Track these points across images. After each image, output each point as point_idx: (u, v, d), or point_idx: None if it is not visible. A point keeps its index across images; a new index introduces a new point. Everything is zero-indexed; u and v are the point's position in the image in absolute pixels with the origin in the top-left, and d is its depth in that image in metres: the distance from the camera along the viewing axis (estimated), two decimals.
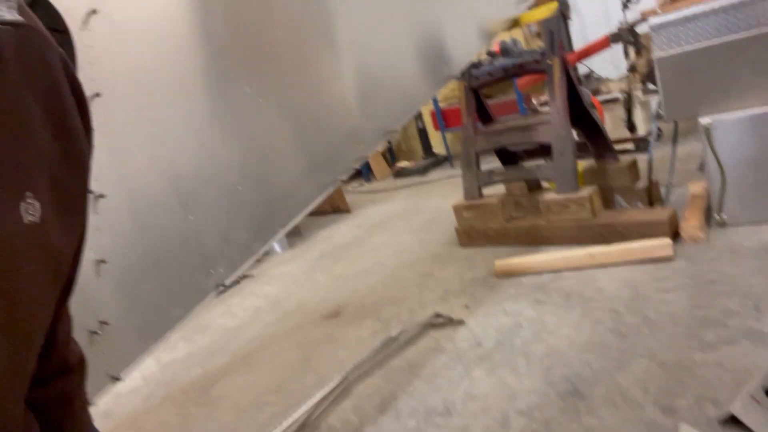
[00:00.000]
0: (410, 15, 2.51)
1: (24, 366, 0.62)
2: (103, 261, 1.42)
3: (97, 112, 1.40)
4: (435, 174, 6.94)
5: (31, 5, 1.73)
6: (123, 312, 1.45)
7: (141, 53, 1.52)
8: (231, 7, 1.76)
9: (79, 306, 1.37)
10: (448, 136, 7.02)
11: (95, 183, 1.42)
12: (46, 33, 0.68)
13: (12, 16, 0.59)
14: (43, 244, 0.63)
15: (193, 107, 1.64)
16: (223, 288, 1.69)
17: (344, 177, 2.14)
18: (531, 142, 3.60)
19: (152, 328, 1.52)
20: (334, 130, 2.11)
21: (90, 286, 1.41)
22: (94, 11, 1.43)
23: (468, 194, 3.83)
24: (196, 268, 1.63)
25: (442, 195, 5.65)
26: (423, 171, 7.08)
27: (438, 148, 7.56)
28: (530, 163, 3.92)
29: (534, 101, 5.71)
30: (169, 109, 1.59)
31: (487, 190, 3.88)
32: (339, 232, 5.52)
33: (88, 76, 1.42)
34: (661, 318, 2.37)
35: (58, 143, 0.67)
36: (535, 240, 3.53)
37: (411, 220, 5.16)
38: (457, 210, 3.87)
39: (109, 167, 1.45)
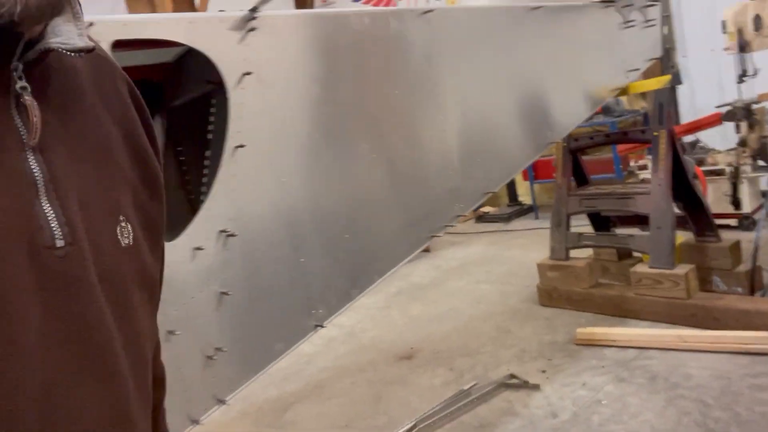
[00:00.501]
0: (516, 81, 2.59)
1: (146, 381, 0.66)
2: (225, 293, 1.57)
3: (239, 161, 1.58)
4: (518, 223, 6.88)
5: (187, 57, 1.98)
6: (235, 341, 1.60)
7: (279, 111, 1.70)
8: (356, 74, 1.92)
9: (199, 331, 1.53)
10: (536, 186, 6.96)
11: (226, 221, 1.59)
12: (113, 60, 0.71)
13: (84, 42, 0.60)
14: (139, 265, 0.66)
15: (315, 160, 1.80)
16: (321, 328, 1.81)
17: (441, 233, 2.23)
18: (627, 211, 3.54)
19: (257, 359, 1.66)
20: (436, 188, 2.21)
21: (211, 315, 1.56)
22: (248, 73, 1.62)
23: (554, 253, 3.80)
24: (300, 307, 1.76)
25: (524, 246, 5.60)
26: (506, 219, 7.05)
27: (524, 197, 7.50)
28: (623, 231, 3.83)
29: (632, 163, 5.58)
30: (296, 160, 1.75)
31: (575, 252, 3.83)
32: (417, 270, 5.60)
33: (236, 128, 1.61)
34: (753, 418, 2.25)
35: (137, 168, 0.69)
36: (621, 311, 3.44)
37: (491, 268, 5.15)
38: (542, 268, 3.84)
39: (242, 210, 1.62)
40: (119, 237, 0.62)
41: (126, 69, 0.71)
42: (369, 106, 1.94)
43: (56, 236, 0.55)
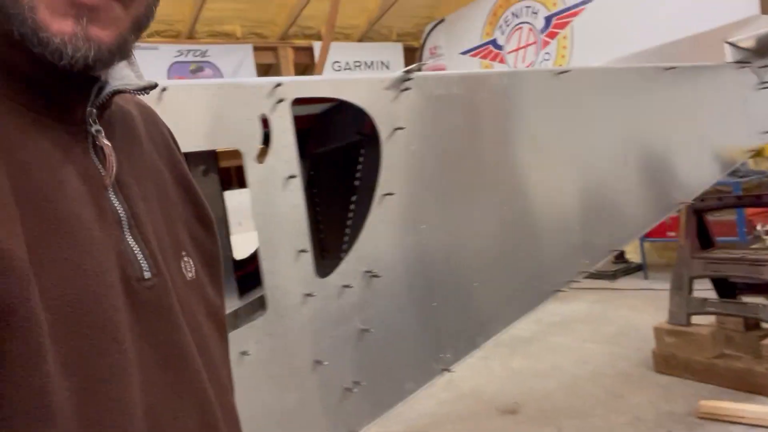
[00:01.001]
0: (646, 140, 2.57)
1: (230, 410, 0.68)
2: (367, 330, 1.68)
3: (386, 208, 1.71)
4: (625, 282, 6.57)
5: (333, 110, 2.17)
6: (371, 376, 1.69)
7: (423, 163, 1.82)
8: (493, 130, 2.01)
9: (341, 364, 1.64)
10: (647, 244, 6.65)
11: (375, 263, 1.71)
12: (153, 109, 0.74)
13: (146, 81, 0.63)
14: (203, 298, 0.67)
15: (451, 210, 1.89)
16: (447, 372, 1.86)
17: (565, 288, 2.22)
18: (759, 279, 3.31)
19: (389, 396, 1.74)
20: (562, 242, 2.23)
21: (352, 349, 1.67)
22: (400, 128, 1.76)
23: (674, 318, 3.60)
24: (430, 350, 1.83)
25: (633, 308, 5.33)
26: (612, 276, 6.75)
27: (632, 254, 7.17)
28: (752, 299, 3.57)
29: (758, 227, 5.21)
30: (434, 210, 1.86)
31: (696, 318, 3.61)
32: (518, 322, 5.48)
33: (386, 178, 1.75)
34: None
35: (190, 207, 0.71)
36: (749, 386, 3.18)
37: (596, 327, 4.94)
38: (659, 332, 3.65)
39: (385, 252, 1.74)
40: (184, 271, 0.65)
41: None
42: (502, 161, 2.02)
43: (144, 268, 0.58)
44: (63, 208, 0.52)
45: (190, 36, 7.74)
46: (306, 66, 8.88)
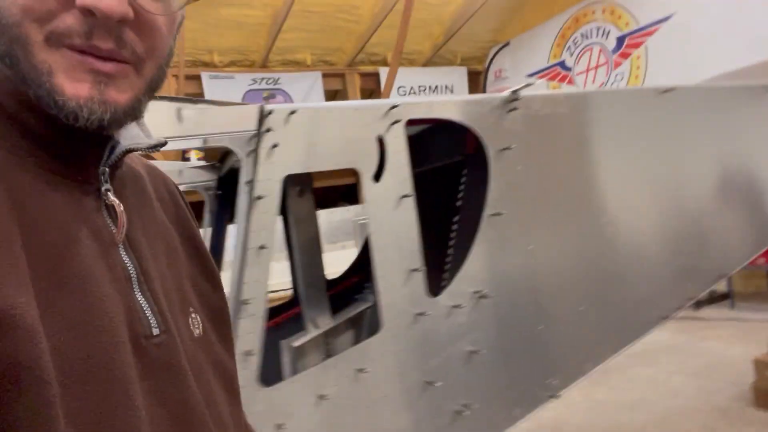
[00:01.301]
0: (756, 161, 2.44)
1: None
2: (475, 352, 1.65)
3: (494, 228, 1.69)
4: (710, 311, 6.21)
5: (429, 132, 2.15)
6: (481, 399, 1.66)
7: (531, 183, 1.80)
8: (597, 149, 1.97)
9: (451, 385, 1.62)
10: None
11: (480, 283, 1.70)
12: (160, 169, 0.75)
13: (155, 139, 0.64)
14: (211, 355, 0.67)
15: (559, 232, 1.86)
16: (555, 398, 1.80)
17: (673, 315, 2.12)
18: None
19: (497, 421, 1.70)
20: (669, 267, 2.13)
21: (461, 371, 1.65)
22: (507, 148, 1.75)
23: None
24: (537, 375, 1.78)
25: (722, 339, 5.03)
26: (696, 305, 6.40)
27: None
28: None
29: None
30: (542, 230, 1.83)
31: None
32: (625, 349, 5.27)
33: (494, 197, 1.74)
34: None
35: (197, 264, 0.71)
36: None
37: (683, 359, 4.68)
38: (759, 365, 3.42)
39: (494, 273, 1.72)
40: (191, 328, 0.65)
41: None
42: (607, 181, 1.97)
43: (152, 325, 0.58)
44: (75, 265, 0.53)
45: (263, 65, 8.06)
46: (371, 91, 9.04)
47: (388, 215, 1.58)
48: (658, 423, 3.50)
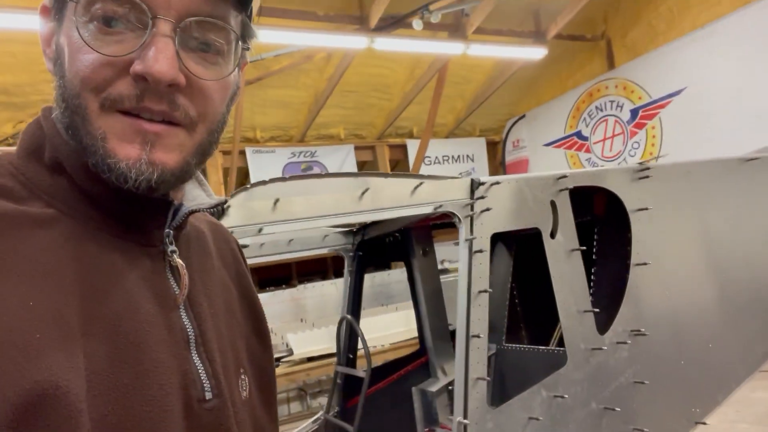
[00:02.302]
0: None
1: None
2: (641, 382, 1.94)
3: (640, 276, 2.01)
4: None
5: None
6: (648, 425, 1.92)
7: (665, 237, 2.14)
8: (717, 210, 2.33)
9: (624, 411, 1.89)
10: None
11: (636, 323, 1.99)
12: (223, 225, 0.78)
13: (216, 199, 0.67)
14: (253, 419, 0.68)
15: (689, 278, 2.18)
16: (701, 425, 2.06)
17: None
18: None
19: None
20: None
21: (630, 398, 1.92)
22: (644, 208, 2.11)
23: None
24: (685, 404, 2.06)
25: None
26: None
27: None
28: None
29: None
30: (676, 277, 2.15)
31: None
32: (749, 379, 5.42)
33: (636, 250, 2.07)
34: None
35: (251, 322, 0.72)
36: None
37: (740, 408, 4.86)
38: None
39: (645, 314, 2.03)
40: (240, 390, 0.66)
41: None
42: (726, 236, 2.32)
43: (206, 389, 0.60)
44: (132, 331, 0.55)
45: (301, 139, 8.58)
46: (398, 161, 9.55)
47: (562, 265, 1.91)
48: None
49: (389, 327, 5.67)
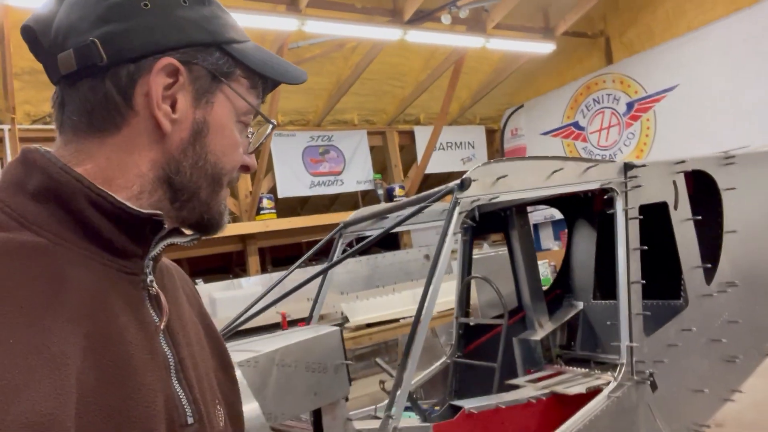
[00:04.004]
0: None
1: None
2: (735, 321, 2.51)
3: (731, 240, 2.57)
4: None
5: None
6: (743, 353, 2.50)
7: (748, 211, 2.71)
8: None
9: (729, 343, 2.45)
10: None
11: (730, 276, 2.56)
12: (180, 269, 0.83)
13: (194, 234, 0.72)
14: None
15: (763, 242, 2.77)
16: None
17: None
18: None
19: (752, 365, 2.54)
20: None
21: (730, 335, 2.49)
22: (731, 188, 2.67)
23: None
24: (760, 340, 2.65)
25: None
26: None
27: None
28: None
29: None
30: (756, 241, 2.73)
31: None
32: None
33: (728, 220, 2.63)
34: None
35: (216, 357, 0.78)
36: None
37: None
38: None
39: (735, 270, 2.59)
40: (218, 419, 0.69)
41: None
42: None
43: (187, 413, 0.64)
44: (119, 354, 0.58)
45: (318, 124, 8.93)
46: (403, 146, 10.00)
47: (681, 230, 2.45)
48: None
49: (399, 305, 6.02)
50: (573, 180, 2.17)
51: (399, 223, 2.12)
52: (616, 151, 8.96)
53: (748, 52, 7.18)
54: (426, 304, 1.85)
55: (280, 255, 9.86)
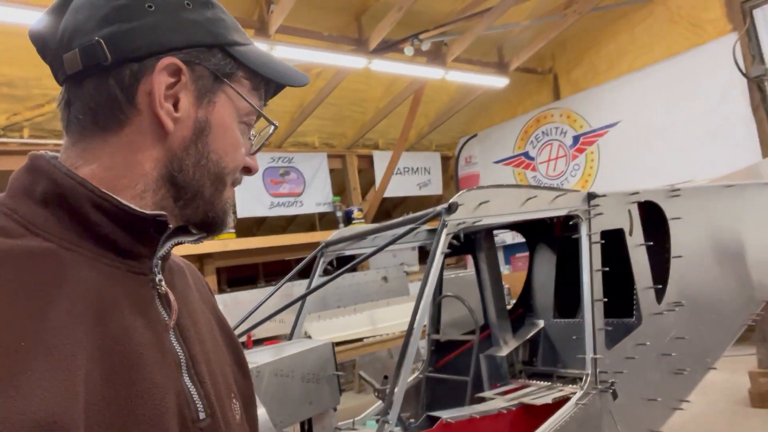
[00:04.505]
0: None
1: None
2: (681, 338, 2.79)
3: (677, 264, 2.88)
4: None
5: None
6: (689, 366, 2.77)
7: (689, 238, 3.03)
8: (718, 222, 3.28)
9: (678, 357, 2.73)
10: None
11: (677, 297, 2.85)
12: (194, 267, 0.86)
13: (198, 234, 0.74)
14: None
15: (703, 266, 3.09)
16: (713, 369, 2.96)
17: (749, 322, 3.40)
18: None
19: (697, 378, 2.82)
20: (743, 293, 3.43)
21: (677, 350, 2.77)
22: (677, 218, 2.99)
23: (762, 364, 4.79)
24: (703, 355, 2.94)
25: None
26: None
27: None
28: None
29: None
30: (695, 266, 3.05)
31: None
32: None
33: (674, 246, 2.94)
34: None
35: (231, 352, 0.80)
36: None
37: None
38: (753, 376, 4.82)
39: (681, 291, 2.89)
40: (233, 413, 0.71)
41: None
42: (722, 240, 3.27)
43: (199, 409, 0.65)
44: (127, 353, 0.60)
45: (279, 146, 9.01)
46: (361, 170, 10.20)
47: (635, 254, 2.72)
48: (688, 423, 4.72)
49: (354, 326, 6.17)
50: (544, 207, 2.41)
51: (393, 242, 2.28)
52: (563, 180, 9.48)
53: (684, 93, 7.84)
54: (417, 318, 2.00)
55: (235, 275, 9.77)
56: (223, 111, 0.70)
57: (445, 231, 2.10)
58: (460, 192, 2.18)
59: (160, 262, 0.68)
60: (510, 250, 9.48)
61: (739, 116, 7.28)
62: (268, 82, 0.75)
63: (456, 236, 2.15)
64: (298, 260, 10.06)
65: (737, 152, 7.09)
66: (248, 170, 0.75)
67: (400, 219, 2.56)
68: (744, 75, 7.17)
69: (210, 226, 0.71)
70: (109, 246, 0.64)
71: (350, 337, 5.49)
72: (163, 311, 0.67)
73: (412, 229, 2.18)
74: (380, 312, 6.19)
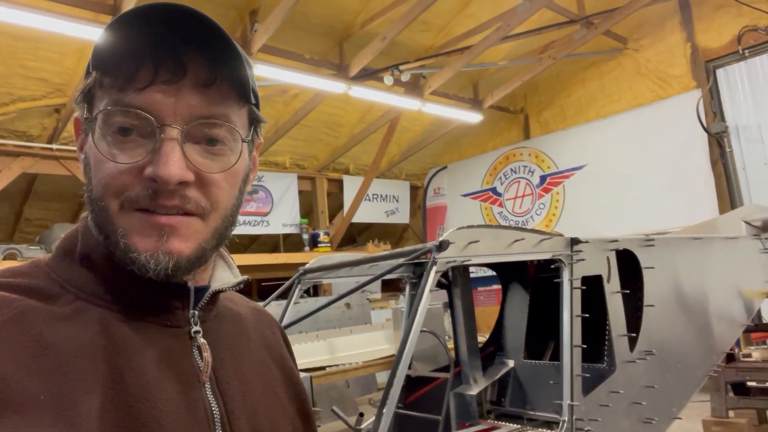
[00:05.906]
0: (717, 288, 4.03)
1: None
2: (651, 387, 2.83)
3: (650, 313, 2.95)
4: None
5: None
6: (658, 415, 2.81)
7: (661, 288, 3.11)
8: (685, 272, 3.37)
9: (647, 405, 2.76)
10: None
11: (649, 345, 2.90)
12: (268, 312, 0.84)
13: (236, 279, 0.73)
14: None
15: (673, 316, 3.16)
16: (677, 420, 3.01)
17: (711, 373, 3.48)
18: None
19: (663, 428, 2.85)
20: (705, 344, 3.53)
21: (648, 399, 2.80)
22: (651, 267, 3.06)
23: (715, 413, 4.92)
24: (668, 404, 2.99)
25: None
26: None
27: None
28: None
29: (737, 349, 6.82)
30: (667, 315, 3.11)
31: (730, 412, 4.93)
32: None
33: (647, 295, 3.00)
34: None
35: (295, 404, 0.77)
36: None
37: None
38: (706, 424, 4.94)
39: (653, 340, 2.95)
40: None
41: None
42: (689, 292, 3.36)
43: None
44: (145, 410, 0.59)
45: None
46: (329, 193, 10.15)
47: (611, 301, 2.76)
48: None
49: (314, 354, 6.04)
50: (529, 249, 2.42)
51: (383, 275, 2.25)
52: (528, 218, 9.66)
53: (647, 143, 8.16)
54: (403, 358, 1.96)
55: None
56: (91, 135, 0.66)
57: (434, 269, 2.08)
58: (451, 230, 2.17)
59: (197, 313, 0.68)
60: (474, 283, 9.56)
61: (699, 170, 7.60)
62: (123, 61, 0.62)
63: (444, 274, 2.12)
64: (260, 281, 9.83)
65: (695, 204, 7.41)
66: (152, 180, 0.62)
67: (386, 252, 2.53)
68: (705, 130, 7.53)
69: (131, 263, 0.63)
70: (137, 301, 0.65)
71: (315, 365, 5.36)
72: (199, 363, 0.66)
73: (400, 265, 2.15)
74: (341, 340, 6.08)
